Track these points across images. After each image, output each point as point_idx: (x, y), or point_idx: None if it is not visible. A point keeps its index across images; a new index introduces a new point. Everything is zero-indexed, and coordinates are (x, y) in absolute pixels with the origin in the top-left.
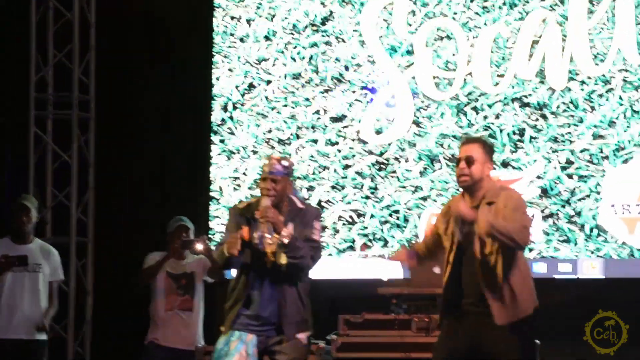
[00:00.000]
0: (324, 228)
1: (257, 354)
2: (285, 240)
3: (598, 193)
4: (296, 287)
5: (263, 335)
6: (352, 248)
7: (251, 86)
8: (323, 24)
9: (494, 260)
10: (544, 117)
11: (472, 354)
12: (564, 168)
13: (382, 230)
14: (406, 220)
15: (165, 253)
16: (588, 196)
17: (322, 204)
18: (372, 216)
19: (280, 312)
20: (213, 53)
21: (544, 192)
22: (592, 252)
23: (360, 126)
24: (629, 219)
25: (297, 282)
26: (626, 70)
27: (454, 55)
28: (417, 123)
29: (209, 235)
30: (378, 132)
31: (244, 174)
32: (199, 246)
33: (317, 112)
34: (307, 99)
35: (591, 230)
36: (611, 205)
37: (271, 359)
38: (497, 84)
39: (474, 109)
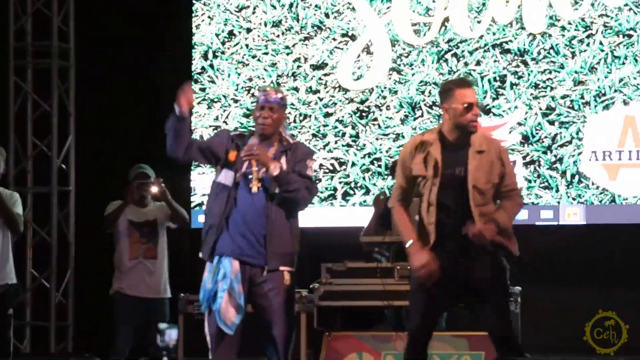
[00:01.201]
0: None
1: (242, 290)
2: (275, 173)
3: (580, 139)
4: (287, 220)
5: (247, 265)
6: (334, 196)
7: (231, 34)
8: None
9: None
10: (524, 63)
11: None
12: (545, 114)
13: (363, 178)
14: (388, 167)
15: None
16: (569, 142)
17: None
18: (353, 164)
19: (266, 241)
20: (193, 1)
21: (525, 139)
22: (574, 199)
23: (338, 73)
24: (610, 165)
25: (288, 215)
26: (606, 16)
27: (434, 1)
28: (398, 70)
29: (192, 184)
30: (356, 78)
31: (225, 122)
32: (154, 188)
33: (298, 60)
34: (288, 47)
35: (572, 176)
36: (592, 151)
37: (255, 292)
38: (474, 29)
39: (455, 55)
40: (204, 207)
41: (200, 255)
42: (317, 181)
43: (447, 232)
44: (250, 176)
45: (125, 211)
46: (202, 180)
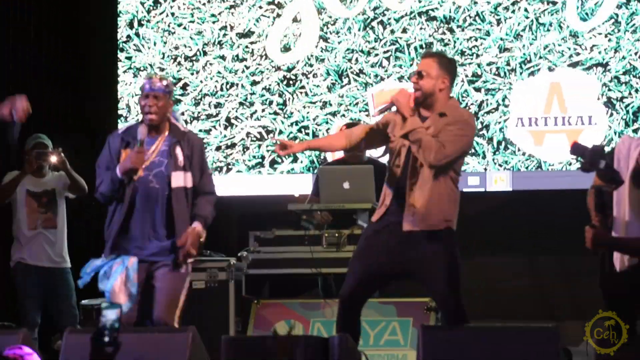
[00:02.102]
0: None
1: (138, 280)
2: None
3: (506, 106)
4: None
5: (147, 262)
6: (261, 164)
7: (156, 2)
8: None
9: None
10: (450, 30)
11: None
12: (471, 82)
13: None
14: (315, 135)
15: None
16: (496, 109)
17: (231, 120)
18: (281, 132)
19: (170, 238)
20: None
21: None
22: (500, 165)
23: (266, 44)
24: (536, 131)
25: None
26: None
27: None
28: (324, 38)
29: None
30: (285, 49)
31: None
32: (53, 158)
33: (224, 28)
34: (214, 15)
35: (499, 143)
36: (518, 118)
37: (151, 285)
38: (401, 1)
39: (381, 23)
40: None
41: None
42: (232, 165)
43: (402, 195)
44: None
45: (23, 181)
46: None
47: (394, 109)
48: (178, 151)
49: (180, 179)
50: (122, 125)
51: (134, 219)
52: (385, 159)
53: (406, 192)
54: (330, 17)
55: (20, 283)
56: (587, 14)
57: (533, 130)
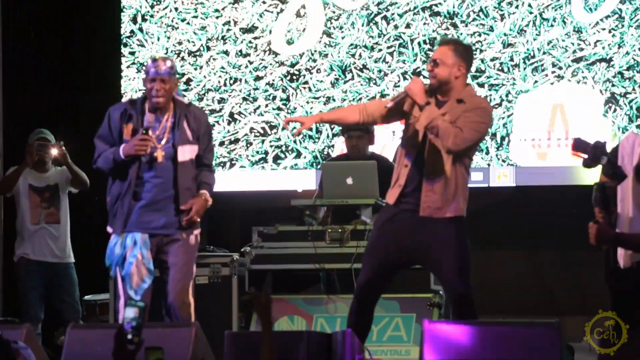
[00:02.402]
0: None
1: (151, 256)
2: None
3: (509, 102)
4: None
5: (157, 236)
6: (265, 160)
7: None
8: None
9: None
10: (454, 25)
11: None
12: (474, 77)
13: (294, 141)
14: (318, 131)
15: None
16: (499, 105)
17: (235, 116)
18: (284, 128)
19: (178, 210)
20: None
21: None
22: (504, 161)
23: (271, 37)
24: (540, 152)
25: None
26: None
27: None
28: (328, 33)
29: None
30: (289, 42)
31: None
32: (54, 151)
33: (228, 23)
34: (217, 10)
35: (502, 138)
36: (520, 139)
37: (162, 260)
38: None
39: (385, 18)
40: None
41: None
42: (236, 160)
43: (417, 176)
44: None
45: (26, 176)
46: None
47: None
48: (184, 125)
49: (187, 152)
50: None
51: (143, 195)
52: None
53: (424, 176)
54: (334, 12)
55: (23, 278)
56: (590, 9)
57: (537, 151)
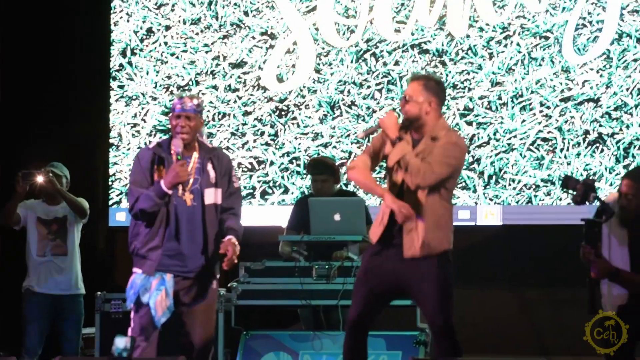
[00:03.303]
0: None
1: (172, 295)
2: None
3: (497, 140)
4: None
5: (180, 276)
6: (252, 195)
7: (150, 31)
8: None
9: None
10: (443, 63)
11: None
12: (462, 115)
13: (282, 177)
14: (306, 166)
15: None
16: (487, 143)
17: (223, 151)
18: (272, 163)
19: (204, 254)
20: None
21: None
22: (491, 199)
23: (262, 74)
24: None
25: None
26: (524, 17)
27: (353, 1)
28: (317, 70)
29: (110, 182)
30: (280, 79)
31: (143, 120)
32: (40, 178)
33: (217, 58)
34: (207, 45)
35: (490, 177)
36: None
37: (188, 303)
38: (398, 31)
39: (374, 55)
40: (122, 205)
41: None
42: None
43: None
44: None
45: (36, 208)
46: (121, 175)
47: (378, 131)
48: (209, 168)
49: (212, 196)
50: (150, 141)
51: (174, 237)
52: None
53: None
54: (323, 48)
55: (25, 310)
56: (579, 49)
57: (525, 190)
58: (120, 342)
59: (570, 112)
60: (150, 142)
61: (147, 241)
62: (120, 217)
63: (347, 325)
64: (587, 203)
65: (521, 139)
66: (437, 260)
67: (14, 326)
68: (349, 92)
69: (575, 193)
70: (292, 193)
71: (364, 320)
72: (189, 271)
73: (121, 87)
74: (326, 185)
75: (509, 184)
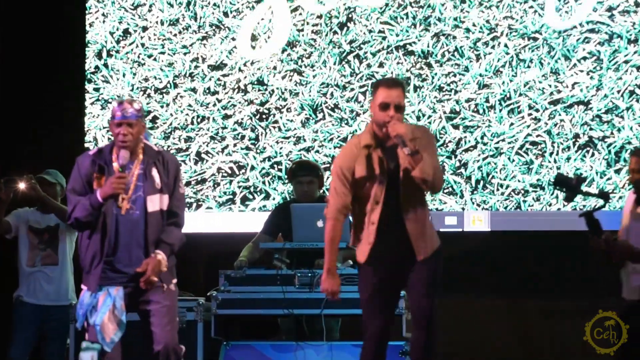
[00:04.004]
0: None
1: (125, 308)
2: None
3: (484, 144)
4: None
5: (130, 286)
6: (232, 201)
7: (126, 32)
8: None
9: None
10: (428, 65)
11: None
12: (449, 118)
13: (263, 182)
14: (288, 171)
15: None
16: (474, 147)
17: (202, 155)
18: (253, 168)
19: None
20: None
21: None
22: (479, 205)
23: (237, 42)
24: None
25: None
26: (512, 18)
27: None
28: (298, 72)
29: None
30: (254, 47)
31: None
32: (22, 185)
33: (196, 60)
34: (185, 47)
35: (477, 182)
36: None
37: (144, 309)
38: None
39: (357, 57)
40: None
41: None
42: (202, 201)
43: (385, 228)
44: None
45: (28, 217)
46: None
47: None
48: (154, 173)
49: (157, 202)
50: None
51: (117, 249)
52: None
53: (405, 224)
54: (305, 50)
55: (14, 319)
56: (563, 13)
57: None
58: (87, 356)
59: (559, 115)
60: (90, 148)
61: (89, 255)
62: None
63: (371, 337)
64: (579, 195)
65: (509, 143)
66: (437, 252)
67: (3, 336)
68: (332, 94)
69: (567, 191)
70: (274, 199)
71: (389, 328)
72: (136, 279)
73: (97, 89)
74: (311, 187)
75: (497, 189)
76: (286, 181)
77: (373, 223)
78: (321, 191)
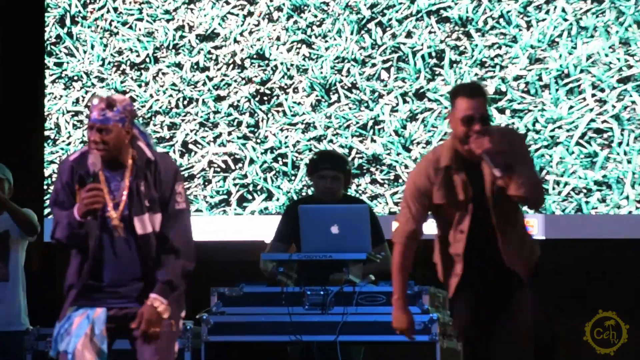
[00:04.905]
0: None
1: (106, 332)
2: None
3: (537, 132)
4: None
5: (115, 307)
6: (227, 202)
7: None
8: None
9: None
10: (467, 35)
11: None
12: (492, 100)
13: (265, 179)
14: (295, 166)
15: None
16: (524, 136)
17: (189, 146)
18: (252, 162)
19: (144, 280)
20: None
21: None
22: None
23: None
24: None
25: None
26: None
27: None
28: (307, 43)
29: (45, 185)
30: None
31: (88, 107)
32: None
33: (181, 28)
34: (168, 12)
35: None
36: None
37: (134, 337)
38: None
39: (380, 25)
40: None
41: None
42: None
43: (475, 258)
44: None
45: None
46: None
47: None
48: (142, 188)
49: (147, 224)
50: (72, 152)
51: (103, 271)
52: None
53: (499, 250)
54: (316, 16)
55: None
56: None
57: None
58: None
59: (630, 96)
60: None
61: (68, 279)
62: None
63: None
64: None
65: (568, 131)
66: (536, 268)
67: None
68: (348, 71)
69: None
70: (278, 199)
71: None
72: (125, 299)
73: (59, 64)
74: (336, 184)
75: (553, 188)
76: (292, 178)
77: (458, 255)
78: (348, 191)
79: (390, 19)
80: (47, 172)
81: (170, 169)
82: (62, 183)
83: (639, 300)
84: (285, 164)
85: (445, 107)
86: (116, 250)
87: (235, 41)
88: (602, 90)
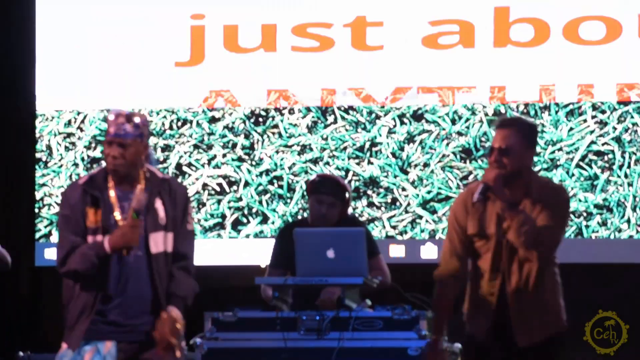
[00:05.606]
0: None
1: None
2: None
3: (537, 154)
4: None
5: (125, 341)
6: (221, 226)
7: None
8: None
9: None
10: None
11: None
12: (492, 122)
13: (260, 202)
14: (291, 189)
15: None
16: None
17: (183, 168)
18: (247, 184)
19: (154, 312)
20: None
21: (467, 153)
22: None
23: None
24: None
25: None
26: None
27: None
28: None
29: (37, 209)
30: None
31: (80, 129)
32: None
33: None
34: None
35: None
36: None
37: None
38: None
39: None
40: (52, 239)
41: None
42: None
43: (505, 299)
44: None
45: None
46: (50, 200)
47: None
48: (158, 205)
49: (160, 242)
50: (82, 175)
51: (112, 298)
52: None
53: (508, 294)
54: None
55: None
56: None
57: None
58: None
59: (632, 117)
60: (79, 175)
61: (77, 307)
62: (49, 254)
63: None
64: None
65: (568, 153)
66: (553, 341)
67: None
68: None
69: None
70: (273, 222)
71: None
72: (135, 334)
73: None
74: (332, 212)
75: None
76: (288, 201)
77: (492, 294)
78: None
79: None
80: (38, 195)
81: (183, 190)
82: (70, 208)
83: (639, 300)
84: (280, 187)
85: (443, 129)
86: (128, 272)
87: None
88: (603, 111)
